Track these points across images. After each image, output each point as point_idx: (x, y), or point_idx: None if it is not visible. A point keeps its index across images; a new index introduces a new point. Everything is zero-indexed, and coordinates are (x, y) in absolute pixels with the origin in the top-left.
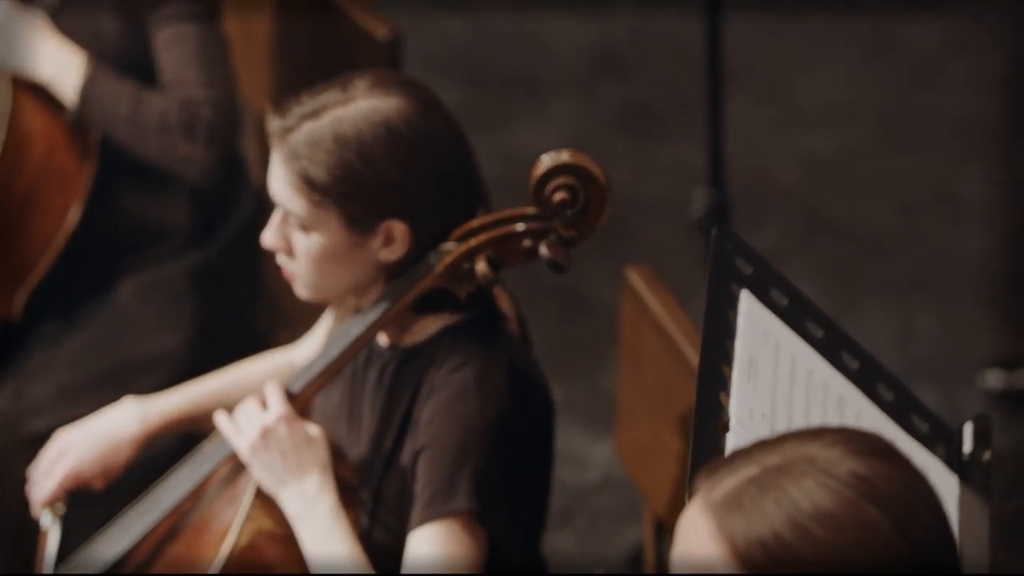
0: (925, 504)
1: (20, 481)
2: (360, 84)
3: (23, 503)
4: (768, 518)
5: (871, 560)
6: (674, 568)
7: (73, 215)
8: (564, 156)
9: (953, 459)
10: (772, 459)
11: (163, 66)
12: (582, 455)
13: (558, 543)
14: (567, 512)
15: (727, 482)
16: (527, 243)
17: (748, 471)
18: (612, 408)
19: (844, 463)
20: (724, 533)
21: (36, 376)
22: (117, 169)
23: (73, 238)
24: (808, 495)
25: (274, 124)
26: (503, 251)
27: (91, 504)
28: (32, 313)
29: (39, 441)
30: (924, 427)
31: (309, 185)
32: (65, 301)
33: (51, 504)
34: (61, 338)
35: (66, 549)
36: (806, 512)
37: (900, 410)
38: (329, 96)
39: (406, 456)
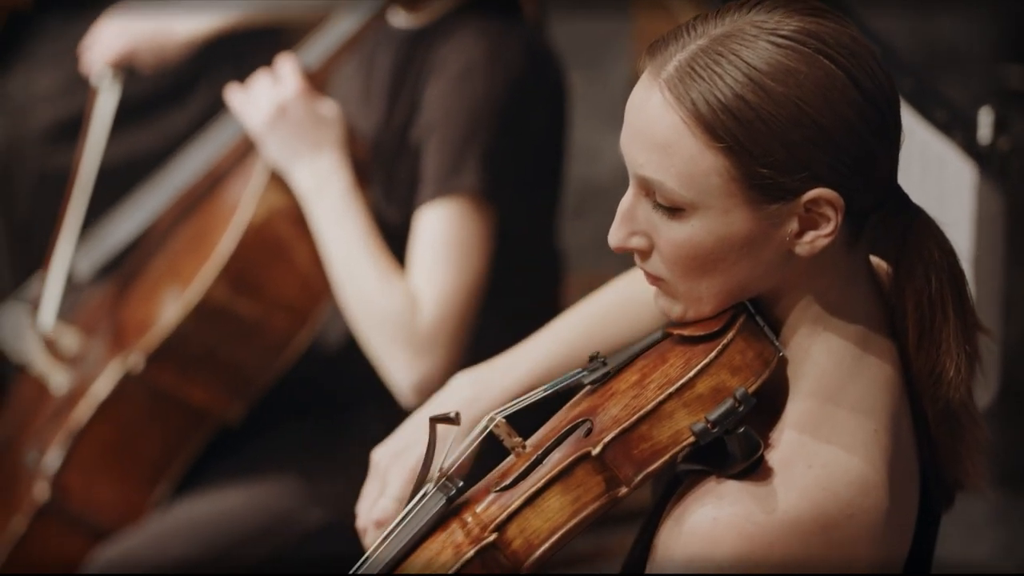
0: (872, 55)
1: (29, 172)
2: None
3: (33, 194)
4: (727, 82)
5: (831, 110)
6: (628, 150)
7: None
8: None
9: (971, 147)
10: (718, 29)
11: None
12: (595, 148)
13: (573, 236)
14: (581, 205)
15: (677, 56)
16: None
17: (696, 42)
18: (626, 100)
19: (790, 22)
20: (684, 104)
21: (45, 66)
22: None
23: None
24: (762, 55)
25: None
26: None
27: None
28: (40, 3)
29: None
30: (942, 115)
31: None
32: None
33: (111, 64)
34: (67, 29)
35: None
36: (764, 71)
37: (919, 98)
38: None
39: (418, 134)
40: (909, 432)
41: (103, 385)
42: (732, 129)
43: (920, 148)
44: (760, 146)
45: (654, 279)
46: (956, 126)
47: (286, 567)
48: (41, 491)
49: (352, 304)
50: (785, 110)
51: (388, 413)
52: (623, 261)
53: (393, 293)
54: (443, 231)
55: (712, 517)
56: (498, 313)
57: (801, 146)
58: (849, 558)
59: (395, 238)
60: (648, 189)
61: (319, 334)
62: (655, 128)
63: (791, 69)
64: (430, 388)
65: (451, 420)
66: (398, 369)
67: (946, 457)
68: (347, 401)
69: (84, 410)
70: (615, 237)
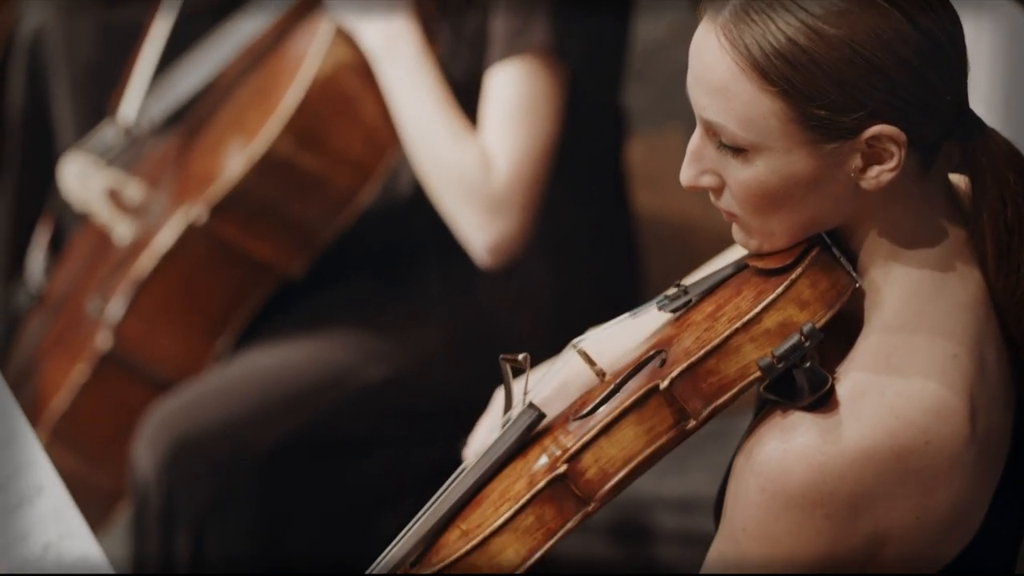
0: None
1: (94, 23)
2: None
3: (97, 45)
4: (780, 27)
5: (885, 48)
6: (692, 94)
7: None
8: None
9: None
10: None
11: None
12: (657, 9)
13: (634, 97)
14: (643, 66)
15: (733, 0)
16: None
17: None
18: None
19: None
20: (738, 49)
21: None
22: None
23: None
24: None
25: None
26: None
27: None
28: None
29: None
30: None
31: None
32: None
33: None
34: None
35: None
36: (817, 14)
37: None
38: None
39: None
40: (998, 351)
41: (166, 236)
42: (785, 73)
43: (1009, 21)
44: (815, 88)
45: (729, 215)
46: None
47: (344, 421)
48: (104, 340)
49: (426, 166)
50: (839, 52)
51: (450, 270)
52: (686, 124)
53: (467, 154)
54: (515, 90)
55: (782, 449)
56: (562, 173)
57: (857, 86)
58: (927, 487)
59: (466, 95)
60: (712, 131)
61: (383, 190)
62: (713, 73)
63: (843, 10)
64: (505, 248)
65: (518, 362)
66: (473, 230)
67: None
68: (409, 258)
69: (147, 260)
70: (686, 175)
